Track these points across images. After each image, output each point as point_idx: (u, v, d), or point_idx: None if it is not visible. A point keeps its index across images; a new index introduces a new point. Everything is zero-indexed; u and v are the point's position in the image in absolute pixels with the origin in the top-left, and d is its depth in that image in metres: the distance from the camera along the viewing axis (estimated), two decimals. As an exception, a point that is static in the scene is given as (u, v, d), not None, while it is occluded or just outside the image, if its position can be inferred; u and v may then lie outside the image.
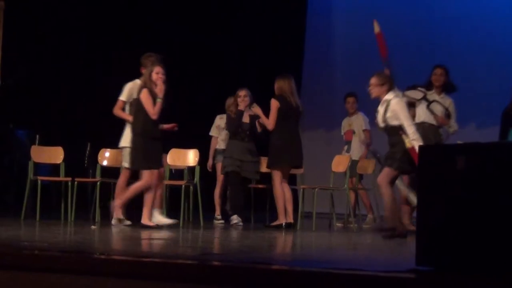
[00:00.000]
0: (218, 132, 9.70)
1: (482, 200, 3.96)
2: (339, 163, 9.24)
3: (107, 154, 9.31)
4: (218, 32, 12.37)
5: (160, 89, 7.85)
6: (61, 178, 9.00)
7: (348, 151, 9.89)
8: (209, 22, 12.40)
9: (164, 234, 7.34)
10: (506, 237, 3.84)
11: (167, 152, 9.15)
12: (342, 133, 10.13)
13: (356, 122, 9.95)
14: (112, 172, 9.31)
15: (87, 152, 10.57)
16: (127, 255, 4.85)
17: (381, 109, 7.14)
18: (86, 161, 10.55)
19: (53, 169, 9.52)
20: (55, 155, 9.11)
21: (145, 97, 7.87)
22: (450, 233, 4.04)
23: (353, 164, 9.49)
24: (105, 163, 9.27)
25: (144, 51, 12.27)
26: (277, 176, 8.58)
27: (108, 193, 9.31)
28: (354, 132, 9.93)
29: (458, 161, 4.07)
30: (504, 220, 3.86)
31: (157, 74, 7.91)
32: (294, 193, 10.23)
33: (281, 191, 8.56)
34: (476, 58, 11.42)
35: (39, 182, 8.76)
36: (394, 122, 7.02)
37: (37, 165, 9.18)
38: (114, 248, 5.74)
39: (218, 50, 12.43)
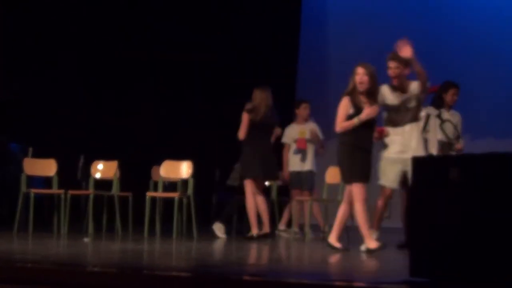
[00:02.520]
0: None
1: (475, 211, 3.96)
2: (334, 175, 9.20)
3: (100, 166, 9.29)
4: (218, 32, 12.42)
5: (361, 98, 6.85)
6: (54, 190, 8.97)
7: (303, 160, 9.66)
8: (207, 27, 12.47)
9: (157, 246, 7.31)
10: (499, 247, 3.84)
11: (160, 164, 9.14)
12: (285, 141, 9.64)
13: (311, 130, 9.60)
14: (105, 184, 9.29)
15: (80, 164, 10.54)
16: (121, 268, 4.83)
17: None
18: (79, 174, 10.51)
19: (47, 181, 9.50)
20: (48, 167, 9.08)
21: (341, 105, 6.92)
22: (444, 244, 4.04)
23: (309, 175, 9.49)
24: (98, 175, 9.25)
25: (144, 51, 12.35)
26: (248, 187, 8.64)
27: (101, 205, 9.30)
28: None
29: (451, 172, 4.08)
30: (497, 231, 3.86)
31: (357, 75, 6.91)
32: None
33: (253, 202, 8.60)
34: (470, 70, 11.44)
35: (32, 194, 8.73)
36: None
37: (31, 178, 9.15)
38: (108, 261, 5.72)
39: (213, 55, 12.47)
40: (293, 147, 9.56)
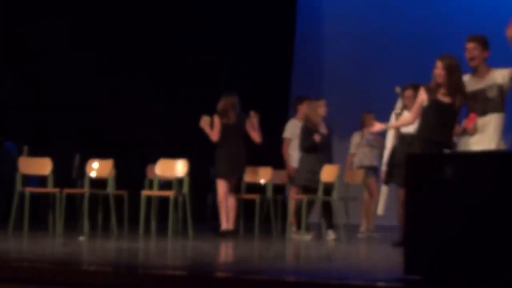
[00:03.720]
0: (357, 149, 9.85)
1: (470, 209, 3.97)
2: (329, 173, 9.20)
3: (95, 165, 9.27)
4: (218, 32, 12.44)
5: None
6: (49, 189, 8.96)
7: None
8: (207, 27, 12.48)
9: (152, 245, 7.31)
10: (493, 246, 3.85)
11: (155, 163, 9.14)
12: (286, 136, 9.70)
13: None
14: (100, 183, 9.28)
15: (75, 163, 10.53)
16: (116, 266, 4.83)
17: None
18: (74, 172, 10.50)
19: (42, 180, 9.49)
20: (43, 166, 9.06)
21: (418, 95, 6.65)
22: (438, 242, 4.05)
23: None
24: (93, 174, 9.23)
25: (144, 51, 12.34)
26: (220, 185, 8.99)
27: (96, 204, 9.29)
28: None
29: (446, 170, 4.09)
30: (492, 229, 3.87)
31: (436, 69, 6.56)
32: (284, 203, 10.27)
33: (224, 199, 8.92)
34: (463, 69, 11.44)
35: (27, 193, 8.72)
36: None
37: (26, 177, 9.14)
38: (103, 259, 5.72)
39: (213, 54, 12.48)
40: (294, 142, 9.52)
